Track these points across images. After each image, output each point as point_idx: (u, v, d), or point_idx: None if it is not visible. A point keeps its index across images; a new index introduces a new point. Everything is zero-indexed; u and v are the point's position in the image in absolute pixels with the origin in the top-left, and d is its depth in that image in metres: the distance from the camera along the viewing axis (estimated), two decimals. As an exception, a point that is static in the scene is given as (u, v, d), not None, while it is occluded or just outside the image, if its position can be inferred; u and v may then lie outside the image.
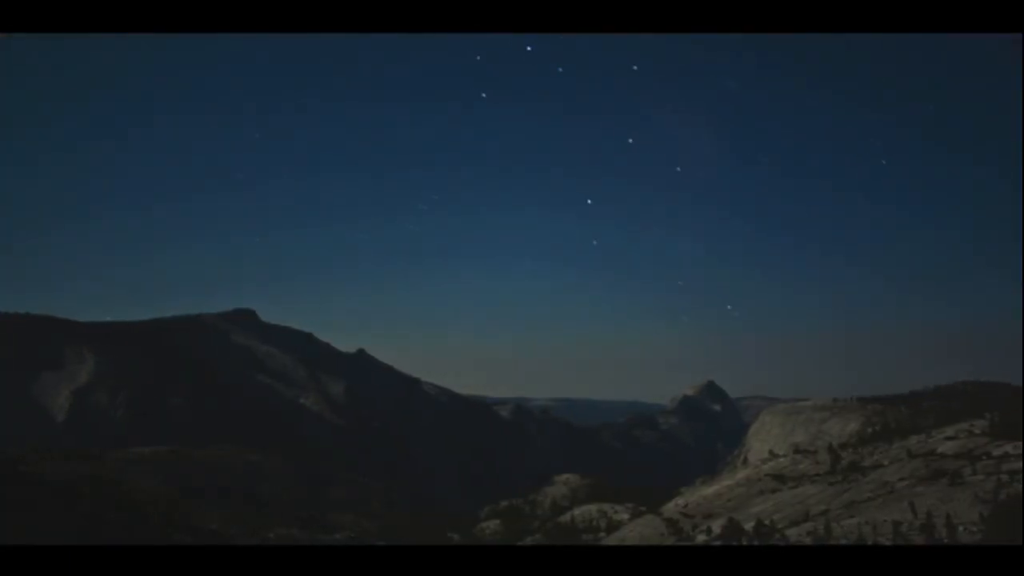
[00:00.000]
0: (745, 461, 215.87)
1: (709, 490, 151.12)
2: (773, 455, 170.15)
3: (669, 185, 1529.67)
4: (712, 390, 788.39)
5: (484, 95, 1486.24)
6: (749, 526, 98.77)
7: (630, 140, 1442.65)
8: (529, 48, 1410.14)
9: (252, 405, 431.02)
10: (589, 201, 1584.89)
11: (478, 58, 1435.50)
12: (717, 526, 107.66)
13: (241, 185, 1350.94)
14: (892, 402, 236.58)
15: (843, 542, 78.21)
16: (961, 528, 72.50)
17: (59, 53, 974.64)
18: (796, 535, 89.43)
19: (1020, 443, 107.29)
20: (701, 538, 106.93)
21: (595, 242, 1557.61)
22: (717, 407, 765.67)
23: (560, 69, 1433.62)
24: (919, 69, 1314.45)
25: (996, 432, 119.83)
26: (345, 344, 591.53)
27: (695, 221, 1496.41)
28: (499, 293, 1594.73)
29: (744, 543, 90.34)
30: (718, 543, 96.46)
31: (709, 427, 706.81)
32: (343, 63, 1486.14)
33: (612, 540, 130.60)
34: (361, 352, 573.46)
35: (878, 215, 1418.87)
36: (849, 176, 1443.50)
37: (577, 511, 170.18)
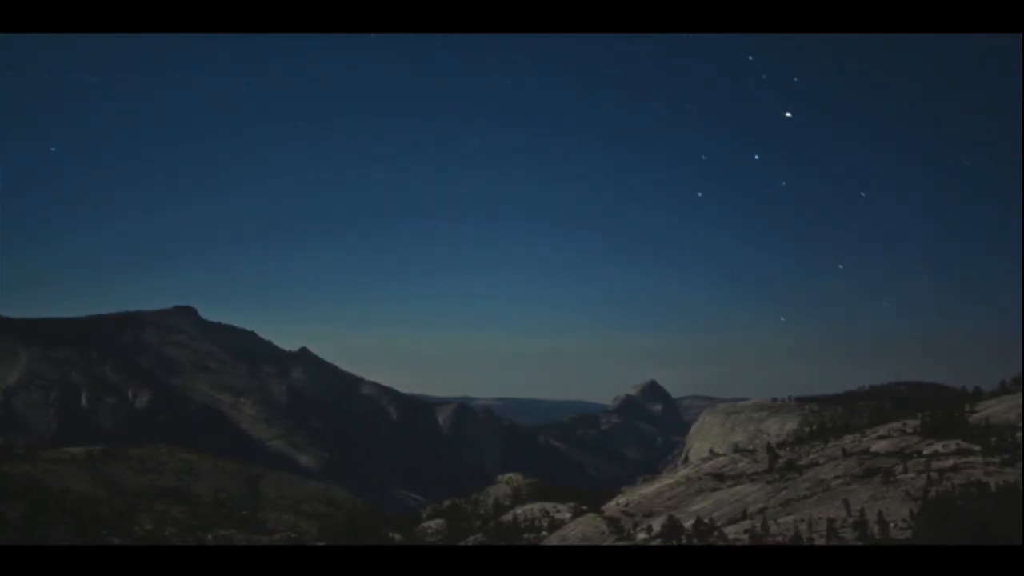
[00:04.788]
0: (686, 460, 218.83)
1: (650, 489, 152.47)
2: (714, 454, 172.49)
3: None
4: (654, 390, 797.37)
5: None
6: (688, 524, 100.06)
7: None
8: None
9: (191, 404, 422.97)
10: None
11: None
12: (657, 524, 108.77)
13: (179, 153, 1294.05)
14: (828, 402, 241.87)
15: (779, 539, 79.63)
16: (892, 525, 74.37)
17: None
18: (734, 533, 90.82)
19: (949, 442, 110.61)
20: (641, 536, 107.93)
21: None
22: (659, 407, 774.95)
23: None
24: (918, 68, 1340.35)
25: (927, 431, 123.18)
26: (288, 342, 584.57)
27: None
28: (445, 292, 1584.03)
29: (683, 541, 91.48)
30: (658, 541, 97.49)
31: (651, 427, 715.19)
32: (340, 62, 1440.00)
33: (554, 539, 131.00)
34: (304, 350, 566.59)
35: (819, 215, 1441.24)
36: (804, 177, 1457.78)
37: (519, 510, 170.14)
